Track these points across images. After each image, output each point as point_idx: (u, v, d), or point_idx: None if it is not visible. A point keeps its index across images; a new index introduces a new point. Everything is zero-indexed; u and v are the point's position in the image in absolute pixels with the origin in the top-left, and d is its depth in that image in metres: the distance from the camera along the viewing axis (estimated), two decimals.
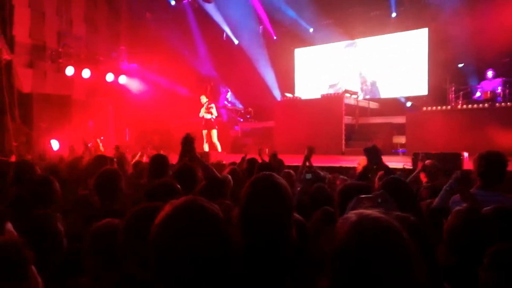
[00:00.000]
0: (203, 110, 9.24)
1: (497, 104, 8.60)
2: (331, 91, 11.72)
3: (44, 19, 11.49)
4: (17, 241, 1.37)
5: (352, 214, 1.01)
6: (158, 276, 1.00)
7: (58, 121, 10.50)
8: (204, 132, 9.16)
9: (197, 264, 0.98)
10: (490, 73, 9.22)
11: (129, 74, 12.91)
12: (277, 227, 1.49)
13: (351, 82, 13.14)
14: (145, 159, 6.10)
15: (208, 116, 9.15)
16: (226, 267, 1.02)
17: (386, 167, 3.05)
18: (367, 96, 12.95)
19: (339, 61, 13.83)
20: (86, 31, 12.69)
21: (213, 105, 9.27)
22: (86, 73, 11.74)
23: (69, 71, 11.37)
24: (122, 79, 12.73)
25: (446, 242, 1.75)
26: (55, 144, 9.51)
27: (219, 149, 9.08)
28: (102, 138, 10.18)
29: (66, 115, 10.94)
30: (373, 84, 13.28)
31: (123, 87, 12.95)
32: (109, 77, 12.39)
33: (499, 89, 9.00)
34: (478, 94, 9.29)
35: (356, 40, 13.37)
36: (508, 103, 8.46)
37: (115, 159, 4.31)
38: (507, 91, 8.93)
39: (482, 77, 9.53)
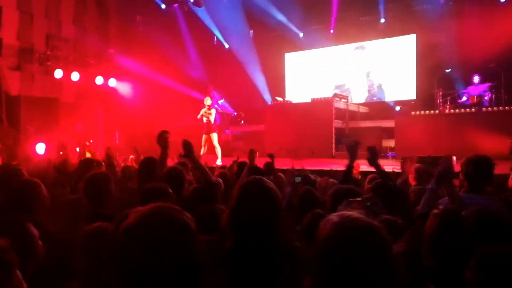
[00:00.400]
0: (202, 112, 9.15)
1: (483, 108, 8.76)
2: (337, 91, 11.78)
3: (32, 21, 11.36)
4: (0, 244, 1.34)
5: (333, 215, 1.02)
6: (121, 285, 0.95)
7: (46, 124, 10.36)
8: (204, 136, 9.09)
9: (158, 275, 0.93)
10: (476, 78, 9.39)
11: (118, 77, 12.82)
12: (266, 230, 1.51)
13: (342, 86, 13.25)
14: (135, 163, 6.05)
15: (205, 120, 9.11)
16: (191, 280, 0.96)
17: (382, 170, 3.03)
18: (374, 98, 13.02)
19: (328, 65, 13.93)
20: (75, 34, 12.57)
21: (213, 110, 9.17)
22: (75, 76, 11.63)
23: (58, 74, 11.25)
24: (112, 82, 12.64)
25: (426, 244, 1.77)
26: (41, 148, 9.39)
27: (219, 153, 8.98)
28: (91, 141, 10.11)
29: (54, 118, 10.80)
30: (366, 87, 13.41)
31: (112, 90, 12.85)
32: (99, 80, 12.29)
33: (486, 94, 9.16)
34: (464, 98, 9.45)
35: (346, 45, 13.50)
36: (494, 108, 8.63)
37: (103, 162, 4.27)
38: (493, 96, 9.09)
39: (468, 82, 9.70)
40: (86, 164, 3.72)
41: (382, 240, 0.96)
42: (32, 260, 1.62)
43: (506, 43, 9.00)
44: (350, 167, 2.94)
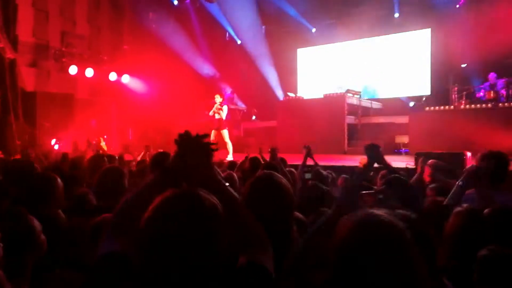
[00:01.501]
0: (214, 109, 9.20)
1: (500, 104, 8.57)
2: (340, 90, 11.73)
3: (48, 19, 11.54)
4: None
5: (358, 213, 1.02)
6: (145, 260, 0.97)
7: (61, 120, 10.54)
8: (214, 132, 9.14)
9: (185, 253, 0.94)
10: (492, 76, 9.22)
11: (132, 74, 12.94)
12: (277, 225, 1.50)
13: (354, 81, 13.11)
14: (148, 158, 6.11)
15: (217, 116, 9.15)
16: (215, 262, 0.98)
17: (389, 166, 3.03)
18: (388, 94, 12.90)
19: (341, 61, 13.81)
20: (89, 31, 12.73)
21: (225, 107, 9.19)
22: (89, 72, 11.79)
23: (73, 70, 11.42)
24: (125, 79, 12.77)
25: (447, 243, 1.74)
26: (56, 144, 9.54)
27: (230, 149, 9.02)
28: (105, 137, 10.24)
29: (69, 114, 10.98)
30: (380, 83, 13.25)
31: (126, 87, 12.98)
32: (112, 76, 12.43)
33: (502, 90, 8.97)
34: (481, 94, 9.27)
35: (360, 40, 13.35)
36: (511, 103, 8.44)
37: (117, 157, 4.33)
38: (510, 91, 8.90)
39: (485, 77, 9.50)
40: (97, 160, 3.76)
41: (405, 240, 0.95)
42: (31, 253, 1.63)
43: None
44: (366, 167, 2.89)
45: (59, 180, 2.41)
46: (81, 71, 11.63)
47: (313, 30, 13.88)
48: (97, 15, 12.98)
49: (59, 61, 11.44)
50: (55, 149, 8.55)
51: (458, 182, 2.39)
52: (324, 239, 1.37)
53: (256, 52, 13.93)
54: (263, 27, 14.29)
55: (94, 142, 6.12)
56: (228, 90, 13.60)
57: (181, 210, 0.98)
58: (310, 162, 4.30)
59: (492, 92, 8.97)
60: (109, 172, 2.60)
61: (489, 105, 8.60)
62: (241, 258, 1.11)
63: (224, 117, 9.11)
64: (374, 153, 2.83)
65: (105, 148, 6.62)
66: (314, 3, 12.79)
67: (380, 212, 1.00)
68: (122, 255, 1.09)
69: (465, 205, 1.90)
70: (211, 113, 9.21)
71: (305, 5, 12.87)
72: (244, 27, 14.10)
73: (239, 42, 14.77)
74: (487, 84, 9.30)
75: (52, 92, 11.05)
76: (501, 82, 9.07)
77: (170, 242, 0.95)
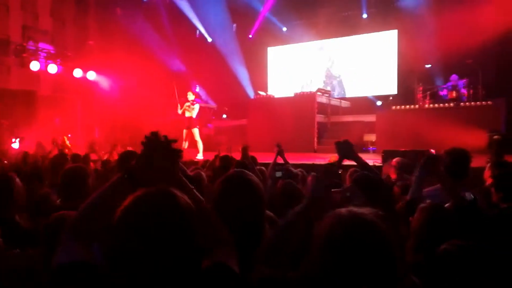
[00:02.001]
0: (184, 107, 9.07)
1: (461, 103, 8.95)
2: (306, 89, 11.85)
3: (8, 13, 11.01)
4: None
5: (342, 209, 1.04)
6: (117, 265, 0.94)
7: (23, 118, 10.10)
8: (185, 131, 9.03)
9: (156, 252, 0.93)
10: (454, 77, 9.61)
11: (98, 70, 12.56)
12: (249, 223, 1.49)
13: (323, 81, 13.33)
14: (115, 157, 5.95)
15: (187, 114, 9.04)
16: (189, 260, 0.97)
17: (363, 162, 3.04)
18: (339, 95, 13.16)
19: (311, 60, 13.97)
20: (52, 25, 12.24)
21: (196, 105, 9.07)
22: (52, 68, 11.33)
23: (34, 66, 10.94)
24: (91, 75, 12.37)
25: (413, 238, 1.79)
26: (16, 143, 9.13)
27: (200, 148, 8.93)
28: (69, 135, 9.88)
29: (32, 111, 10.54)
30: (349, 82, 13.52)
31: (92, 84, 12.58)
32: (77, 73, 12.00)
33: (464, 89, 9.36)
34: (444, 93, 9.64)
35: (328, 40, 13.56)
36: (472, 103, 8.82)
37: (81, 157, 4.18)
38: (471, 91, 9.29)
39: (448, 77, 9.88)
40: (60, 159, 3.62)
41: (385, 236, 0.99)
42: None
43: (483, 40, 9.19)
44: (337, 166, 2.91)
45: (18, 180, 2.29)
46: (44, 67, 11.17)
47: (284, 29, 13.97)
48: (61, 9, 12.49)
49: (20, 56, 10.93)
50: (15, 149, 8.18)
51: (416, 175, 2.43)
52: (295, 233, 1.38)
53: (227, 50, 13.87)
54: (233, 25, 14.24)
55: (59, 142, 5.90)
56: (197, 88, 13.45)
57: (157, 209, 0.96)
58: (280, 160, 4.32)
59: (454, 92, 9.35)
60: (72, 171, 2.50)
61: (451, 104, 8.95)
62: (206, 260, 1.09)
63: (194, 116, 9.01)
64: (346, 149, 2.85)
65: (69, 146, 6.38)
66: (284, 2, 12.87)
67: (364, 210, 1.02)
68: (87, 264, 1.03)
69: (428, 201, 1.95)
70: (180, 111, 9.09)
71: (275, 4, 12.93)
72: (214, 25, 14.01)
73: (209, 39, 14.65)
74: (449, 84, 9.67)
75: (13, 89, 10.56)
76: (462, 82, 9.47)
77: (146, 242, 0.92)
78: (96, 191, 1.21)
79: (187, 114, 9.03)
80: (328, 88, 11.82)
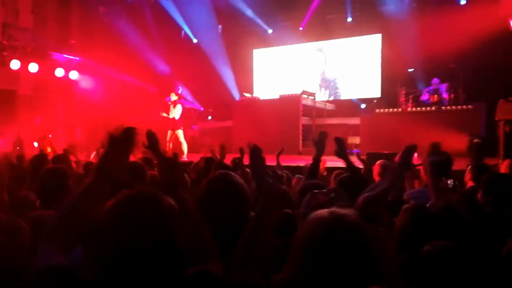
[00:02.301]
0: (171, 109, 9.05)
1: (443, 107, 9.12)
2: (294, 91, 11.91)
3: None
4: None
5: (324, 211, 1.05)
6: (101, 268, 0.93)
7: (2, 117, 9.84)
8: (169, 132, 8.96)
9: (140, 254, 0.91)
10: (435, 81, 9.80)
11: (80, 70, 12.34)
12: (234, 225, 1.47)
13: (310, 83, 13.40)
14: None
15: (171, 115, 8.98)
16: (172, 264, 0.96)
17: (351, 163, 3.05)
18: (331, 98, 13.26)
19: (297, 62, 14.04)
20: (33, 23, 11.98)
21: (178, 105, 9.02)
22: (33, 67, 11.08)
23: (14, 64, 10.67)
24: (73, 75, 12.14)
25: (396, 239, 1.80)
26: None
27: (185, 149, 8.89)
28: (50, 136, 9.64)
29: (11, 111, 10.28)
30: (333, 85, 13.63)
31: (74, 83, 12.36)
32: (59, 72, 11.77)
33: (445, 93, 9.55)
34: (426, 97, 9.81)
35: (314, 43, 13.65)
36: (453, 107, 9.00)
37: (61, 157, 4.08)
38: (452, 95, 9.48)
39: (430, 81, 10.07)
40: (40, 159, 3.53)
41: (367, 236, 1.00)
42: None
43: (464, 45, 9.40)
44: (316, 161, 2.93)
45: None
46: (24, 66, 10.90)
47: (270, 31, 14.00)
48: (42, 6, 12.23)
49: (0, 55, 10.66)
50: None
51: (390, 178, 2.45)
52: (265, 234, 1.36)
53: (212, 51, 13.81)
54: (219, 26, 14.20)
55: (46, 142, 5.76)
56: (180, 89, 13.37)
57: (140, 211, 0.95)
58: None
59: (436, 95, 9.52)
60: (52, 173, 2.43)
61: (433, 108, 9.12)
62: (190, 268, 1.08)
63: (177, 117, 8.95)
64: (341, 148, 2.86)
65: (49, 149, 6.23)
66: (270, 5, 12.90)
67: (344, 211, 1.02)
68: (68, 269, 1.00)
69: (412, 202, 1.97)
70: (164, 113, 9.05)
71: (261, 6, 12.95)
72: (200, 26, 13.93)
73: (195, 40, 14.57)
74: (431, 88, 9.85)
75: None
76: (443, 86, 9.65)
77: (129, 245, 0.91)
78: (72, 194, 1.19)
79: (171, 115, 8.96)
80: (326, 91, 11.89)
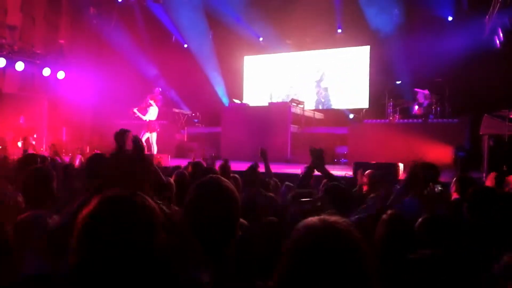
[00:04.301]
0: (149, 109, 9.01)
1: (429, 120, 9.26)
2: (283, 99, 11.93)
3: None
4: None
5: (314, 218, 1.04)
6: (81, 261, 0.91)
7: None
8: (147, 134, 8.92)
9: (122, 260, 0.90)
10: (420, 94, 9.92)
11: (68, 70, 12.17)
12: (222, 230, 1.45)
13: (299, 91, 13.49)
14: (77, 162, 5.78)
15: (147, 117, 8.98)
16: (154, 268, 0.94)
17: (330, 174, 3.12)
18: (328, 105, 13.35)
19: (287, 70, 14.13)
20: (22, 21, 11.80)
21: (151, 108, 9.02)
22: (19, 66, 10.90)
23: (1, 62, 10.49)
24: (61, 75, 11.98)
25: (378, 248, 1.81)
26: None
27: (155, 152, 8.88)
28: (35, 136, 9.48)
29: None
30: (323, 95, 13.73)
31: (61, 83, 12.18)
32: (46, 71, 11.59)
33: (432, 107, 9.69)
34: (414, 110, 9.94)
35: (304, 52, 13.77)
36: (439, 120, 9.15)
37: (48, 159, 4.00)
38: (438, 108, 9.64)
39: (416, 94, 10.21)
40: (29, 159, 3.45)
41: (359, 244, 0.99)
42: None
43: (451, 60, 9.60)
44: (309, 170, 2.93)
45: None
46: (10, 64, 10.72)
47: (261, 39, 14.07)
48: (31, 5, 12.06)
49: None
50: None
51: (397, 190, 2.51)
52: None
53: (203, 56, 13.80)
54: (210, 32, 14.21)
55: (20, 145, 5.65)
56: (158, 90, 13.32)
57: (121, 212, 0.93)
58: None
59: (422, 108, 9.66)
60: (36, 173, 2.38)
61: (420, 120, 9.25)
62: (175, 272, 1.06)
63: (153, 118, 8.97)
64: (318, 159, 2.89)
65: (34, 149, 6.13)
66: (261, 13, 12.97)
67: (335, 218, 1.01)
68: (53, 277, 0.99)
69: (389, 211, 1.98)
70: (135, 110, 9.03)
71: (252, 14, 13.01)
72: (191, 31, 13.92)
73: (185, 45, 14.55)
74: (421, 99, 9.94)
75: None
76: (422, 94, 9.75)
77: (109, 248, 0.89)
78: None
79: (147, 117, 8.96)
80: (302, 100, 11.94)
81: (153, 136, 8.89)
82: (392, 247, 1.75)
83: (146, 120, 8.95)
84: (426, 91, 9.67)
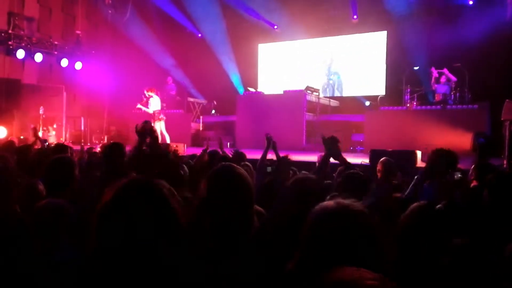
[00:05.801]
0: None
1: (448, 106, 9.07)
2: (298, 87, 11.88)
3: None
4: None
5: (329, 202, 1.07)
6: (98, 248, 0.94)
7: (5, 106, 9.88)
8: (157, 123, 9.14)
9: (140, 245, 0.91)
10: (440, 77, 9.69)
11: (85, 61, 12.34)
12: (238, 217, 1.47)
13: (314, 79, 13.36)
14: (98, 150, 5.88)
15: (150, 110, 9.19)
16: (172, 248, 0.96)
17: (346, 161, 3.10)
18: (341, 93, 13.22)
19: (302, 58, 13.99)
20: (39, 13, 11.97)
21: (151, 99, 9.21)
22: (38, 57, 11.10)
23: (20, 54, 10.70)
24: (78, 66, 12.15)
25: (400, 236, 1.79)
26: (1, 131, 8.94)
27: (168, 140, 9.09)
28: (55, 126, 9.69)
29: (15, 100, 10.32)
30: (338, 82, 13.58)
31: (79, 74, 12.37)
32: (64, 62, 11.78)
33: (450, 92, 9.49)
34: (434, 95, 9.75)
35: (320, 39, 13.59)
36: (459, 106, 8.95)
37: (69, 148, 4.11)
38: (457, 94, 9.43)
39: (435, 80, 9.99)
40: (60, 149, 3.56)
41: (374, 226, 1.02)
42: None
43: (471, 44, 9.33)
44: (325, 159, 2.91)
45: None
46: (30, 55, 10.93)
47: (275, 27, 13.93)
48: None
49: (5, 44, 10.67)
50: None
51: (416, 177, 2.49)
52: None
53: (217, 45, 13.77)
54: (224, 21, 14.14)
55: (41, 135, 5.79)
56: (170, 79, 13.38)
57: (140, 198, 0.95)
58: (272, 153, 4.20)
59: (441, 94, 9.46)
60: (59, 162, 2.45)
61: (438, 107, 9.07)
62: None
63: (157, 108, 9.14)
64: (332, 146, 2.87)
65: (53, 139, 6.26)
66: (275, 0, 12.81)
67: (350, 201, 1.04)
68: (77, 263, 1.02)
69: (422, 201, 1.96)
70: (139, 105, 9.25)
71: (266, 1, 12.87)
72: (205, 20, 13.88)
73: (199, 35, 14.53)
74: (438, 85, 9.72)
75: None
76: (448, 85, 9.56)
77: (133, 234, 0.91)
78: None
79: (150, 110, 9.16)
80: (318, 87, 11.83)
81: (162, 125, 9.05)
82: (427, 237, 1.73)
83: (152, 112, 9.13)
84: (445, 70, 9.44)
